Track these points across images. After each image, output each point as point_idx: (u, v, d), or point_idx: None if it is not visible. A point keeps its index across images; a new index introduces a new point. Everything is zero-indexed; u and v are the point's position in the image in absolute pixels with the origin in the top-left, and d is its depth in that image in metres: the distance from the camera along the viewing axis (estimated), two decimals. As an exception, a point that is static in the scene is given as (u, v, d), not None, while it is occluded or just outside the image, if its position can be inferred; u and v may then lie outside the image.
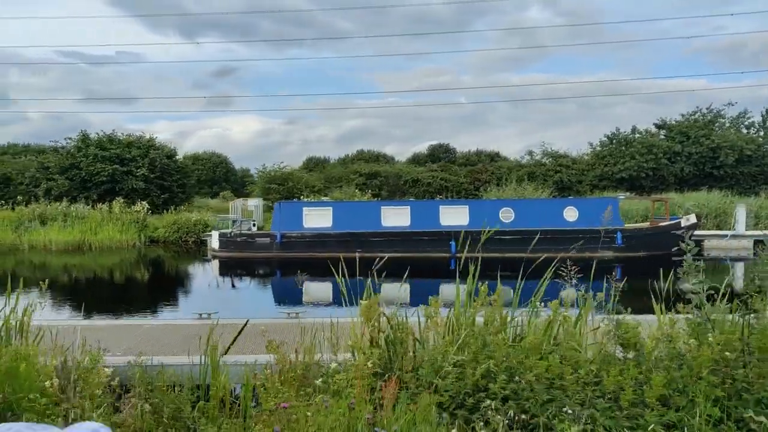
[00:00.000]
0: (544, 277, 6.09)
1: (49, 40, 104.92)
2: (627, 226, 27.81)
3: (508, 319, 5.30)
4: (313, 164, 65.66)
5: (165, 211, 39.13)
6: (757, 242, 31.55)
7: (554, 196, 40.99)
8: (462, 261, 6.48)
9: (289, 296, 18.75)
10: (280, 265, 25.59)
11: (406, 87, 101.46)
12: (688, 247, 4.41)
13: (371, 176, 48.51)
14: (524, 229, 26.00)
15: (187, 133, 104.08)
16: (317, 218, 26.99)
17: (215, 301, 17.76)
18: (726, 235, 30.91)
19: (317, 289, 18.79)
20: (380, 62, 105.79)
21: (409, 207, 27.69)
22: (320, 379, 4.76)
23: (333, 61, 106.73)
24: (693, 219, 28.60)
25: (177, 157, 48.77)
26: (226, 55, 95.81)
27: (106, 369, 4.78)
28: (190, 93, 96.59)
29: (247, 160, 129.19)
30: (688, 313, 4.34)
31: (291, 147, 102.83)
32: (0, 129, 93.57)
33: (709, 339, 4.39)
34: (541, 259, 6.58)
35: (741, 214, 31.47)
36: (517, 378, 4.30)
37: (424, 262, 24.41)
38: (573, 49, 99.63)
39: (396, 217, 27.02)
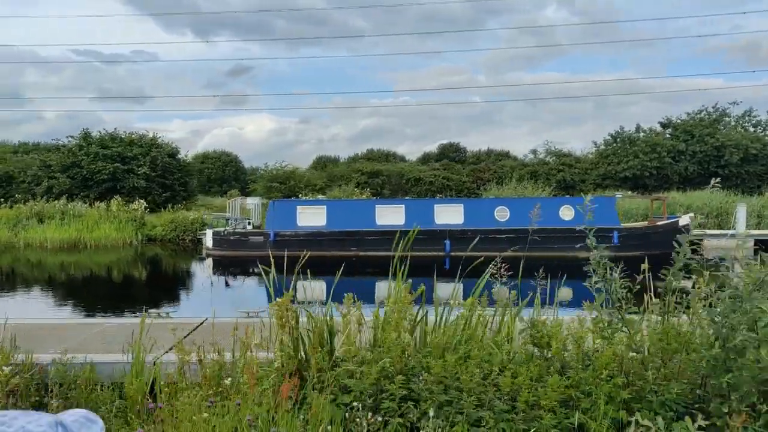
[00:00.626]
0: (483, 276, 5.96)
1: (64, 38, 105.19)
2: (624, 225, 27.55)
3: (419, 317, 5.16)
4: (324, 163, 65.52)
5: (165, 209, 39.13)
6: (758, 242, 31.32)
7: (554, 195, 40.70)
8: (396, 260, 6.34)
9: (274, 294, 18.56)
10: (273, 264, 25.44)
11: (420, 86, 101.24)
12: (592, 243, 4.26)
13: (373, 175, 48.38)
14: (519, 228, 25.82)
15: (202, 132, 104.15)
16: (311, 217, 26.87)
17: (193, 299, 17.69)
18: (726, 235, 30.54)
19: (310, 288, 18.57)
20: (394, 61, 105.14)
21: (403, 205, 27.54)
22: (228, 379, 4.64)
23: (347, 60, 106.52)
24: (691, 218, 28.33)
25: (180, 155, 48.77)
26: (240, 54, 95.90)
27: (5, 369, 4.66)
28: (205, 92, 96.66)
29: (261, 159, 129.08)
30: (594, 310, 4.16)
31: (305, 146, 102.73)
32: (15, 128, 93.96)
33: (616, 339, 4.24)
34: (509, 256, 6.44)
35: (741, 213, 31.12)
36: (422, 378, 4.16)
37: (419, 261, 24.23)
38: (587, 48, 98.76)
39: (391, 215, 26.87)
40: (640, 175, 46.08)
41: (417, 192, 47.50)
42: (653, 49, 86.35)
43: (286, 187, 46.16)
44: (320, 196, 38.28)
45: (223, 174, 75.52)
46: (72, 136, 45.84)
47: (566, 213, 26.79)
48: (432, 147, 65.21)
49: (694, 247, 4.55)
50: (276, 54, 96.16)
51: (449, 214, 27.01)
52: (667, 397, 3.77)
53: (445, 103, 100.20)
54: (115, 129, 46.42)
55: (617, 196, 30.50)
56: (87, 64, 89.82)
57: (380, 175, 48.40)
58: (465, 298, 5.65)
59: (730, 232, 30.80)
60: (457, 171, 49.98)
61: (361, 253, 25.81)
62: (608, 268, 4.12)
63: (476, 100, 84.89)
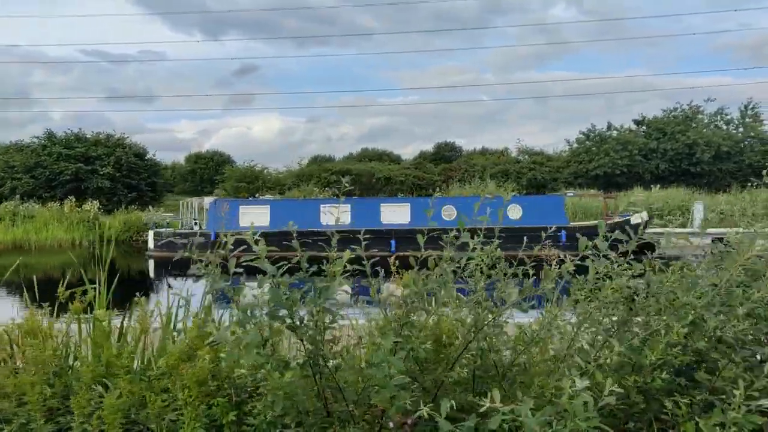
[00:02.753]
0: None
1: (72, 38, 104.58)
2: (572, 224, 27.08)
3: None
4: (318, 163, 64.92)
5: (124, 209, 38.67)
6: (715, 240, 30.87)
7: (518, 193, 40.26)
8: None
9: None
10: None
11: (428, 85, 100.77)
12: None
13: (343, 174, 47.87)
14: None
15: (210, 132, 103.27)
16: (254, 217, 26.36)
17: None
18: (682, 233, 30.09)
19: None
20: (403, 60, 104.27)
21: (349, 205, 27.10)
22: None
23: (355, 59, 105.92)
24: (644, 216, 27.89)
25: (149, 156, 48.32)
26: (248, 53, 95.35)
27: None
28: (212, 92, 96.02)
29: (269, 159, 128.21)
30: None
31: (313, 146, 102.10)
32: (21, 129, 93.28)
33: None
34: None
35: (698, 211, 30.67)
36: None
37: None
38: (597, 47, 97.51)
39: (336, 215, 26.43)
40: (611, 173, 45.64)
41: (388, 191, 47.03)
42: (663, 47, 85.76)
43: (253, 186, 45.78)
44: (267, 196, 37.78)
45: (216, 174, 74.99)
46: (37, 137, 45.52)
47: (513, 212, 26.34)
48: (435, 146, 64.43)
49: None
50: (284, 53, 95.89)
51: (396, 214, 26.58)
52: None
53: (454, 102, 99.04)
54: (80, 129, 46.08)
55: (569, 194, 30.05)
56: (94, 64, 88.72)
57: (349, 174, 47.88)
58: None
59: (687, 230, 30.36)
60: (428, 170, 49.57)
61: (306, 254, 25.34)
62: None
63: (483, 98, 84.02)
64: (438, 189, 44.17)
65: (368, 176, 48.55)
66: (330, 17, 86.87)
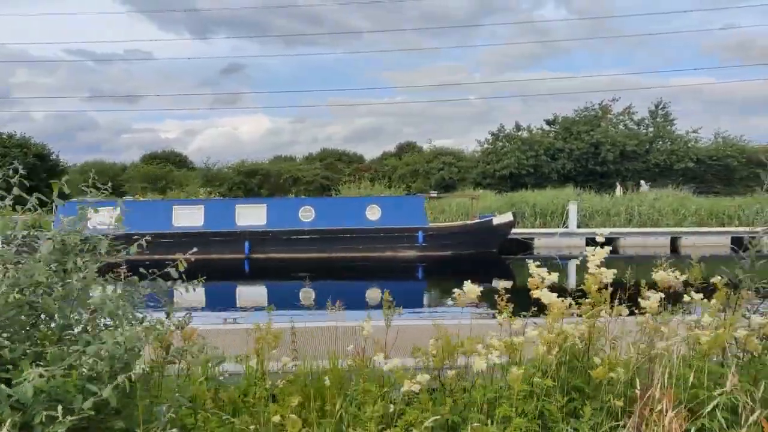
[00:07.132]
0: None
1: (56, 37, 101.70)
2: (431, 225, 26.78)
3: None
4: (273, 163, 63.91)
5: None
6: (590, 240, 30.79)
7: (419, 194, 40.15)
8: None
9: None
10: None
11: (418, 85, 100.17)
12: None
13: (250, 174, 47.35)
14: (323, 228, 25.12)
15: (195, 132, 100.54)
16: (102, 219, 25.69)
17: None
18: (555, 233, 29.94)
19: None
20: (391, 60, 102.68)
21: (203, 206, 26.55)
22: None
23: (343, 59, 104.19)
24: (509, 217, 27.68)
25: (53, 156, 47.42)
26: (235, 53, 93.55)
27: None
28: (199, 91, 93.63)
29: (254, 159, 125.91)
30: None
31: (301, 146, 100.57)
32: (1, 128, 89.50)
33: None
34: None
35: (572, 211, 30.57)
36: None
37: (217, 264, 23.26)
38: (589, 48, 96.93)
39: (189, 216, 25.84)
40: (518, 173, 45.49)
41: (295, 192, 46.51)
42: (657, 48, 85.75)
43: (157, 188, 45.08)
44: (128, 198, 37.01)
45: (169, 174, 73.50)
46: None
47: (372, 213, 26.00)
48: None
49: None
50: (271, 52, 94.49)
51: (251, 215, 26.06)
52: None
53: (443, 101, 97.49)
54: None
55: (432, 194, 29.85)
56: (79, 63, 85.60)
57: (257, 175, 47.39)
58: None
59: (560, 230, 30.24)
60: (338, 170, 49.14)
61: (156, 257, 24.74)
62: None
63: (473, 98, 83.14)
64: (333, 190, 43.82)
65: (277, 177, 48.02)
66: (317, 17, 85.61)
